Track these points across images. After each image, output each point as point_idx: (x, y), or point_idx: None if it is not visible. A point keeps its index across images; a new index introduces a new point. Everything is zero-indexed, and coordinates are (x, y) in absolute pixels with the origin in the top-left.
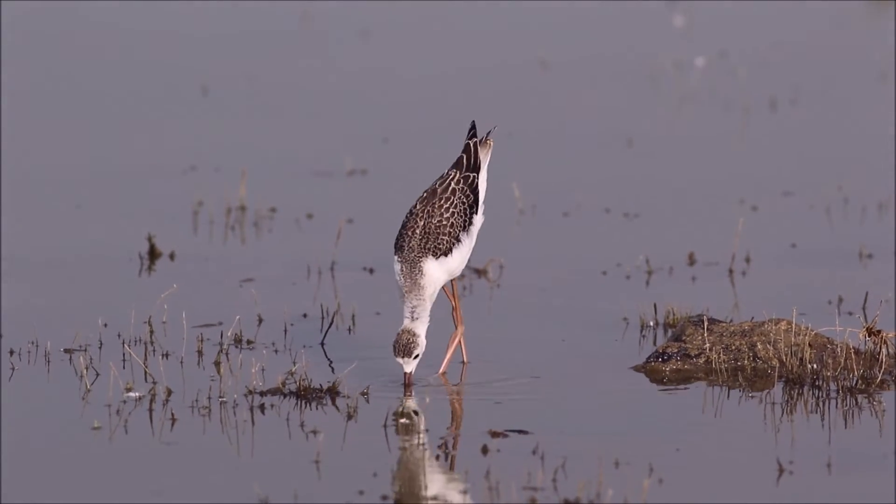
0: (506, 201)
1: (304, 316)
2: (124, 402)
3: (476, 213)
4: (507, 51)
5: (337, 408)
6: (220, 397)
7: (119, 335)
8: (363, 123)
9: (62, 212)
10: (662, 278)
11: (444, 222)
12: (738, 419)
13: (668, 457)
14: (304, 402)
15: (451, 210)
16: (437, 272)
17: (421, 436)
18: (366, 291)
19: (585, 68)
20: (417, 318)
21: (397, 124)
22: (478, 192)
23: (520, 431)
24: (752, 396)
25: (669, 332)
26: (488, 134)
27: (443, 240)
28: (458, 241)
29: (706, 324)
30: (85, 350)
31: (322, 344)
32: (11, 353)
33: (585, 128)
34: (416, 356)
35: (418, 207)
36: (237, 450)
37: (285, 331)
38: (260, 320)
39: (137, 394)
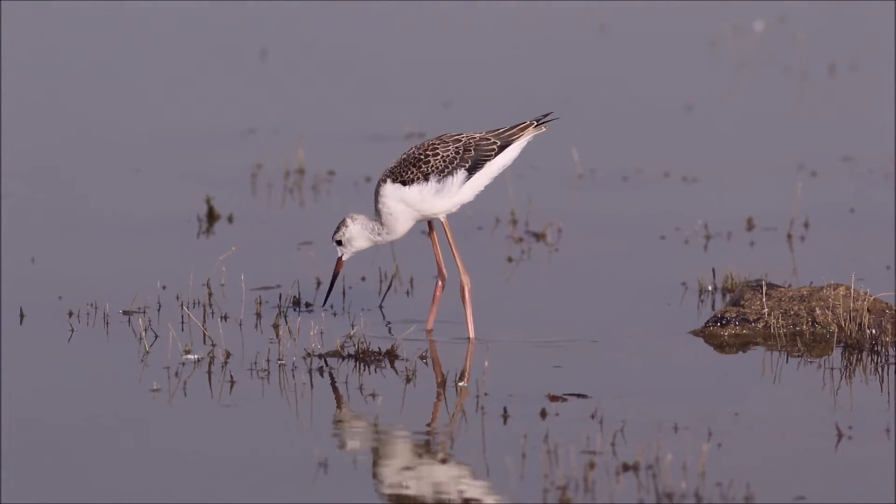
0: (565, 165)
1: (363, 279)
2: (183, 364)
3: (468, 172)
4: (567, 15)
5: (395, 371)
6: (279, 360)
7: (178, 297)
8: (423, 88)
9: (122, 174)
10: (721, 243)
11: (422, 157)
12: (797, 384)
13: (726, 421)
14: (362, 365)
15: (438, 151)
16: (393, 199)
17: (480, 399)
18: (424, 254)
19: (645, 33)
20: (372, 220)
21: (458, 88)
22: (486, 159)
23: (579, 395)
24: (810, 361)
25: (728, 297)
26: (546, 119)
27: (410, 170)
28: (426, 179)
29: (765, 289)
30: (144, 312)
31: (380, 307)
32: (70, 314)
33: (644, 92)
34: (338, 241)
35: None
36: (296, 412)
37: (343, 293)
38: (318, 283)
39: (196, 356)
